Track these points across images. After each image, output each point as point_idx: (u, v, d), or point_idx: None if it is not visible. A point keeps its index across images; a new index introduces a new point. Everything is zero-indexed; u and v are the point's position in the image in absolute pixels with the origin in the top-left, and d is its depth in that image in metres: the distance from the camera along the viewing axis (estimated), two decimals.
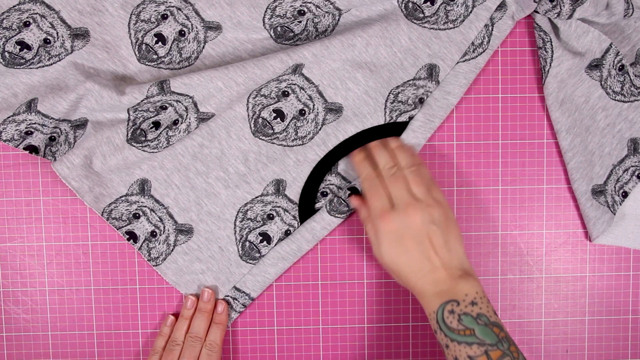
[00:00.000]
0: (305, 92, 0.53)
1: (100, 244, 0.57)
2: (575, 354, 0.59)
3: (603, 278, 0.58)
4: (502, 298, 0.58)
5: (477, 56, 0.54)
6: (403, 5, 0.54)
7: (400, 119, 0.54)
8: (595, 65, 0.54)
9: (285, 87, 0.53)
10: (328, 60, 0.53)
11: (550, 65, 0.54)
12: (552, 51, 0.54)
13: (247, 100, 0.53)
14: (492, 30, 0.54)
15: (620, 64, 0.54)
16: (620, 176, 0.56)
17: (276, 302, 0.58)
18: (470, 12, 0.54)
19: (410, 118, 0.54)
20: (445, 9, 0.54)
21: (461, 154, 0.57)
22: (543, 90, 0.56)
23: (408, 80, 0.54)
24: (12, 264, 0.57)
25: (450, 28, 0.54)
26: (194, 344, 0.54)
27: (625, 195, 0.56)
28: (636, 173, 0.56)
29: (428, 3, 0.54)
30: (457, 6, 0.53)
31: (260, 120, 0.54)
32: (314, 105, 0.54)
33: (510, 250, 0.58)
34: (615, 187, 0.56)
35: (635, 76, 0.54)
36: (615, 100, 0.55)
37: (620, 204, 0.56)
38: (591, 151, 0.55)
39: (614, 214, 0.55)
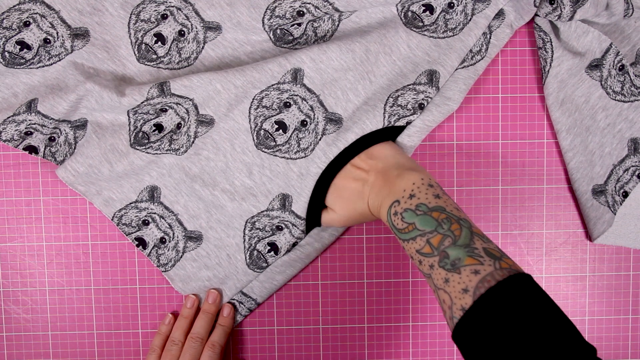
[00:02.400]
0: (307, 102, 0.53)
1: (100, 244, 0.57)
2: None
3: (603, 278, 0.58)
4: None
5: (475, 63, 0.54)
6: (402, 14, 0.54)
7: (398, 124, 0.53)
8: (595, 65, 0.54)
9: (287, 98, 0.53)
10: (328, 69, 0.52)
11: (551, 65, 0.54)
12: (552, 51, 0.54)
13: (249, 112, 0.53)
14: (490, 38, 0.54)
15: (620, 64, 0.54)
16: (621, 176, 0.56)
17: (276, 302, 0.58)
18: (470, 20, 0.53)
19: (408, 123, 0.53)
20: (444, 17, 0.53)
21: (461, 154, 0.57)
22: (543, 90, 0.55)
23: (408, 85, 0.53)
24: (12, 264, 0.57)
25: (450, 36, 0.54)
26: (194, 344, 0.54)
27: (625, 195, 0.56)
28: (636, 173, 0.56)
29: (427, 12, 0.53)
30: (457, 14, 0.53)
31: (262, 132, 0.53)
32: (314, 115, 0.53)
33: (510, 250, 0.58)
34: (615, 187, 0.56)
35: (636, 76, 0.54)
36: (615, 100, 0.55)
37: (621, 204, 0.56)
38: (591, 151, 0.55)
39: (615, 214, 0.55)
